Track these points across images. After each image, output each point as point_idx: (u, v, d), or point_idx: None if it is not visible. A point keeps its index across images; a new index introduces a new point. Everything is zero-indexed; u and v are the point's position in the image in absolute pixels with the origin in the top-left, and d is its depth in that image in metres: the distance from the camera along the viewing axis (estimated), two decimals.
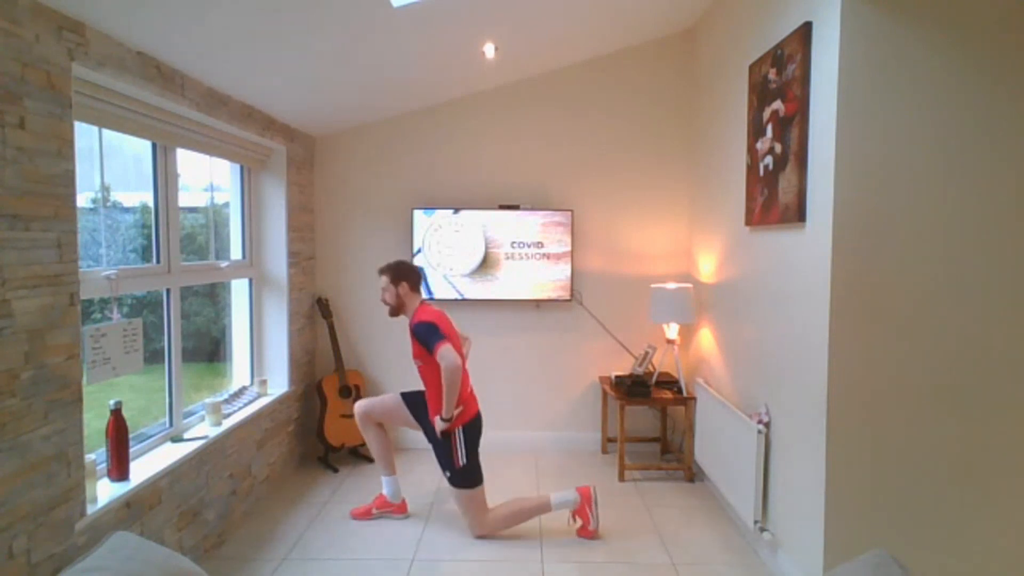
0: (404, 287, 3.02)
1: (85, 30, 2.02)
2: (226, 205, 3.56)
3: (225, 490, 2.97)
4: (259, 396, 3.51)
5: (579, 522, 3.01)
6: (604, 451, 4.18)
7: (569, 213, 4.03)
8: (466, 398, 2.98)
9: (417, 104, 4.06)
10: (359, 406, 3.16)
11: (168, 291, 2.78)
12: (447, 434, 2.93)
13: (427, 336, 2.84)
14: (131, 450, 2.39)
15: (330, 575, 2.67)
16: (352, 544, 2.93)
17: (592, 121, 4.13)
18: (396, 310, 3.06)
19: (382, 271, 3.06)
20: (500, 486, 3.58)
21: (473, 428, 3.00)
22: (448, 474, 2.97)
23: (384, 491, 3.19)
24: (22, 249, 1.78)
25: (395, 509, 3.20)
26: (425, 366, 2.96)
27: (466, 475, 2.94)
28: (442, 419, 2.87)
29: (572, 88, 4.11)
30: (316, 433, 3.91)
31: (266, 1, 2.24)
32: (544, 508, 2.99)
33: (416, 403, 3.13)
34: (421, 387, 3.08)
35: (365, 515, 3.17)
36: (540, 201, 4.14)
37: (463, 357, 2.96)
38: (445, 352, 2.76)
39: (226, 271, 3.36)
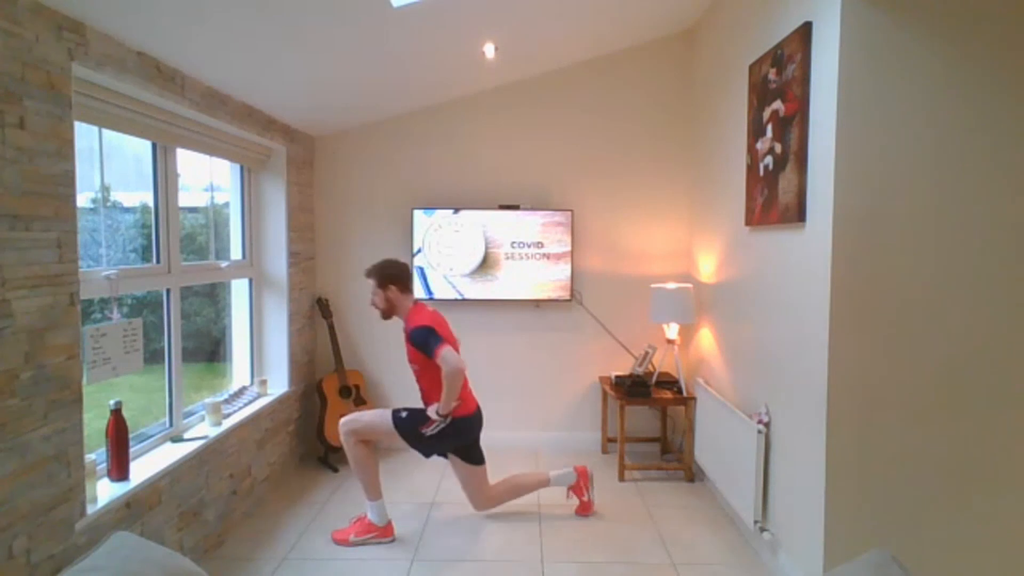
0: (393, 290, 2.94)
1: (85, 30, 2.02)
2: (226, 205, 3.56)
3: (225, 490, 2.97)
4: (259, 396, 3.51)
5: (573, 498, 3.18)
6: (604, 451, 4.18)
7: (569, 213, 4.03)
8: (464, 395, 2.95)
9: (417, 104, 4.06)
10: (347, 422, 2.94)
11: (168, 291, 2.78)
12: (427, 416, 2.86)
13: (426, 341, 2.77)
14: (131, 450, 2.39)
15: (330, 575, 2.67)
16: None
17: (592, 121, 4.13)
18: (387, 314, 2.99)
19: (369, 274, 2.97)
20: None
21: (466, 423, 2.94)
22: (404, 414, 2.91)
23: (369, 515, 2.95)
24: (22, 249, 1.78)
25: (380, 533, 2.93)
26: (422, 370, 2.90)
27: (420, 439, 2.88)
28: (438, 413, 2.81)
29: (572, 88, 4.11)
30: (316, 433, 3.91)
31: (266, 1, 2.24)
32: (543, 483, 3.18)
33: (409, 428, 2.92)
34: (410, 404, 3.01)
35: (343, 542, 2.91)
36: (540, 201, 4.14)
37: (455, 347, 2.91)
38: (446, 355, 2.72)
39: (226, 271, 3.36)
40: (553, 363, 4.23)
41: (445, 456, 3.06)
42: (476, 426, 3.04)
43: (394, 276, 2.96)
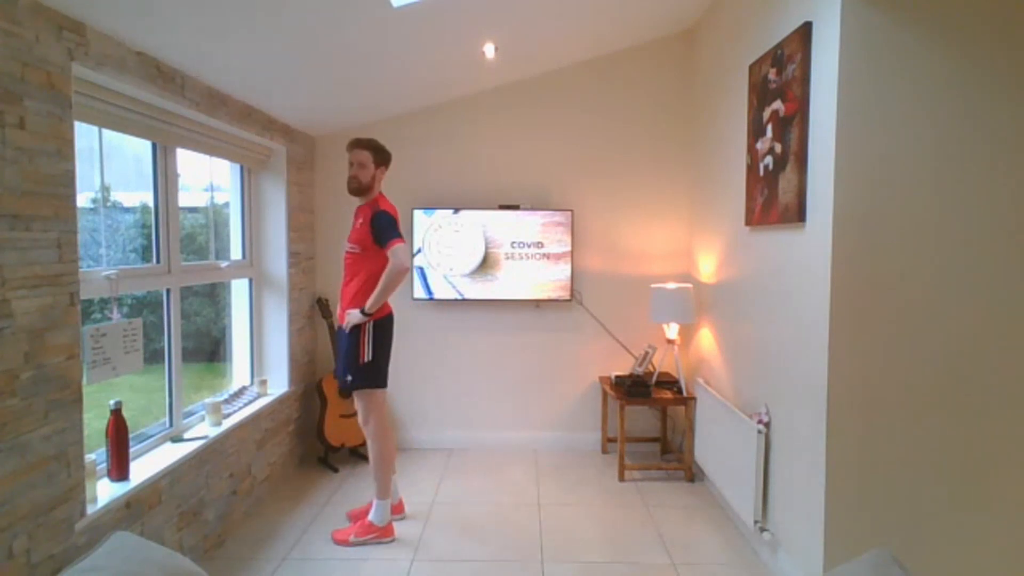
0: (383, 171, 2.89)
1: (85, 30, 2.02)
2: (226, 205, 3.56)
3: (225, 490, 2.97)
4: (259, 396, 3.51)
5: (350, 522, 3.00)
6: (604, 451, 4.18)
7: (569, 213, 4.03)
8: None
9: (417, 104, 4.06)
10: (371, 429, 2.93)
11: (168, 291, 2.78)
12: (356, 329, 2.80)
13: (387, 228, 2.70)
14: (131, 450, 2.39)
15: (330, 575, 2.67)
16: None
17: (592, 121, 4.13)
18: (360, 191, 2.86)
19: (362, 145, 2.82)
20: (500, 486, 3.59)
21: (384, 326, 2.87)
22: (349, 378, 2.83)
23: (372, 514, 2.95)
24: (22, 249, 1.78)
25: (380, 533, 2.93)
26: (363, 257, 2.80)
27: (369, 372, 2.83)
28: (362, 312, 2.73)
29: (572, 88, 4.11)
30: (316, 433, 3.91)
31: (266, 1, 2.24)
32: (384, 492, 2.92)
33: (338, 347, 2.95)
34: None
35: (343, 542, 2.91)
36: (540, 201, 4.14)
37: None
38: (399, 250, 2.66)
39: (226, 271, 3.36)
40: (553, 363, 4.23)
41: (374, 383, 2.85)
42: (392, 330, 2.93)
43: (388, 158, 2.92)
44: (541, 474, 3.79)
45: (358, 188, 2.86)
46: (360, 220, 2.86)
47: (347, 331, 2.83)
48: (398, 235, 2.72)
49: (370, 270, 2.79)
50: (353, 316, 2.77)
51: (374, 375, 2.86)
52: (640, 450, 4.22)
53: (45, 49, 1.85)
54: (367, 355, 2.81)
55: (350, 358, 2.83)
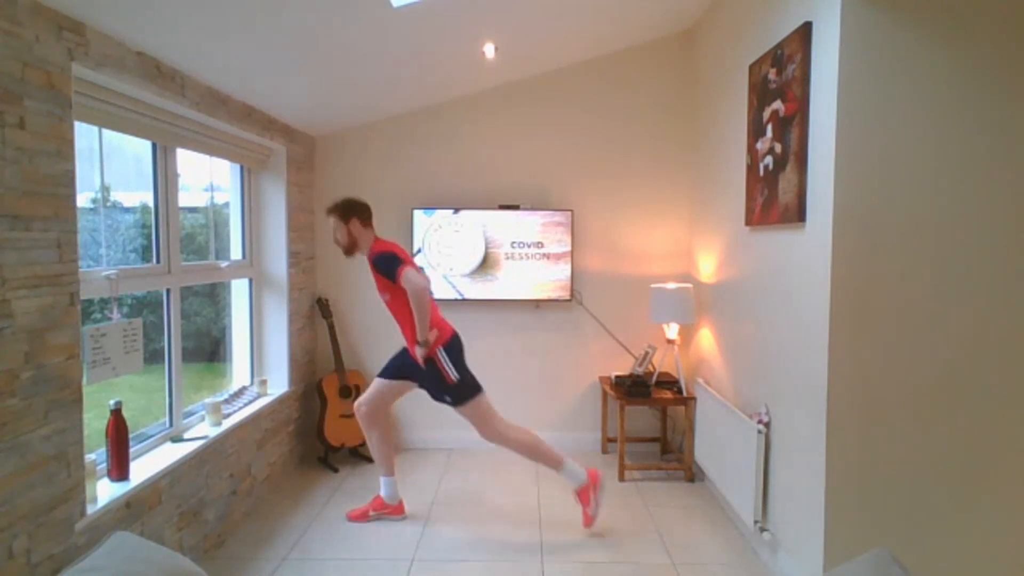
0: (355, 223, 2.95)
1: (85, 30, 2.02)
2: (226, 205, 3.56)
3: (225, 490, 2.97)
4: (259, 396, 3.51)
5: (578, 505, 3.03)
6: (604, 451, 4.18)
7: (569, 213, 4.03)
8: (438, 322, 2.95)
9: (417, 104, 4.06)
10: (360, 407, 3.13)
11: (168, 291, 2.78)
12: (430, 359, 2.90)
13: (389, 265, 2.80)
14: (131, 450, 2.39)
15: (330, 575, 2.67)
16: (352, 544, 2.93)
17: (592, 121, 4.13)
18: (350, 249, 3.00)
19: (330, 211, 2.97)
20: (500, 486, 3.59)
21: (454, 346, 2.97)
22: (448, 399, 2.96)
23: (382, 492, 3.17)
24: (22, 249, 1.78)
25: (392, 511, 3.18)
26: (393, 298, 2.92)
27: (463, 389, 2.94)
28: (420, 344, 2.84)
29: (572, 88, 4.11)
30: (316, 433, 3.91)
31: (266, 1, 2.24)
32: (556, 463, 2.99)
33: (395, 368, 3.07)
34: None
35: (362, 517, 3.15)
36: (540, 201, 4.14)
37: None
38: (409, 275, 2.74)
39: (226, 271, 3.36)
40: (553, 363, 4.23)
41: (472, 394, 2.97)
42: (462, 346, 3.03)
43: (356, 209, 2.98)
44: (541, 474, 3.79)
45: (345, 249, 3.02)
46: (372, 271, 2.96)
47: (425, 366, 2.93)
48: (400, 263, 2.80)
49: (405, 305, 2.87)
50: (420, 352, 2.88)
51: (469, 388, 2.97)
52: (640, 450, 4.22)
53: (45, 49, 1.85)
54: (453, 376, 2.93)
55: (440, 384, 2.95)
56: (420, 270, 2.97)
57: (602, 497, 3.04)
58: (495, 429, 2.99)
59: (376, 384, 3.12)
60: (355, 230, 2.97)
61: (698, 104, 3.94)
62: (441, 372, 2.92)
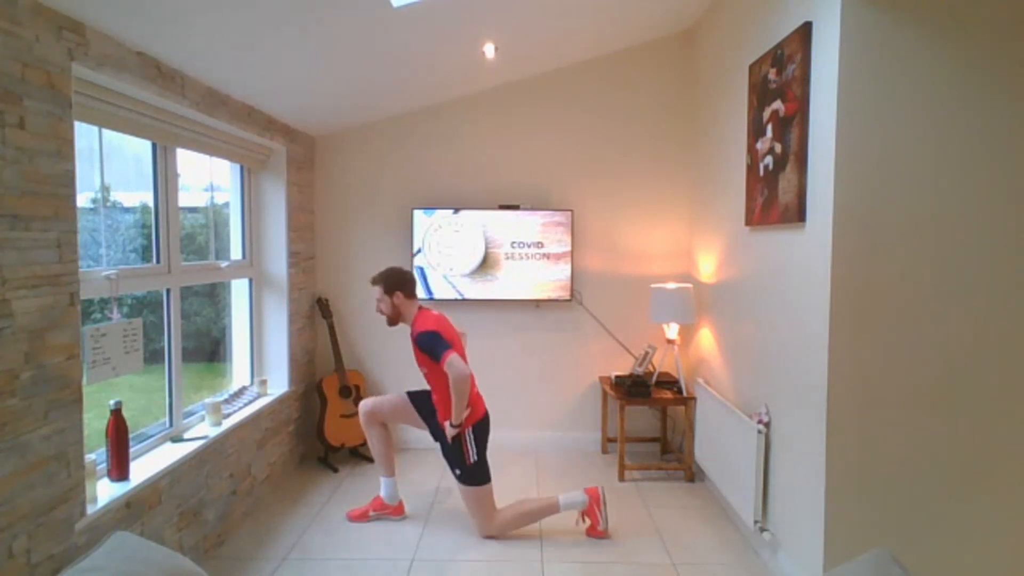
0: (399, 296, 2.97)
1: (85, 30, 2.02)
2: (226, 205, 3.56)
3: (225, 490, 2.97)
4: (259, 396, 3.51)
5: (588, 522, 3.01)
6: (604, 451, 4.18)
7: (569, 213, 4.03)
8: (473, 399, 2.97)
9: (417, 104, 4.06)
10: (364, 404, 3.15)
11: (168, 291, 2.78)
12: (457, 436, 2.94)
13: (432, 346, 2.81)
14: (131, 450, 2.39)
15: (330, 575, 2.67)
16: (352, 544, 2.93)
17: (592, 121, 4.13)
18: (393, 320, 3.03)
19: (375, 281, 3.01)
20: (500, 486, 3.58)
21: (482, 428, 3.00)
22: (458, 472, 2.97)
23: (382, 492, 3.18)
24: (22, 249, 1.78)
25: (392, 511, 3.18)
26: (431, 373, 2.95)
27: (476, 473, 2.95)
28: (452, 425, 2.87)
29: (572, 88, 4.11)
30: (316, 433, 3.91)
31: (266, 1, 2.24)
32: (552, 509, 2.99)
33: (423, 403, 3.13)
34: (425, 386, 3.09)
35: (361, 517, 3.16)
36: (540, 201, 4.14)
37: (466, 360, 2.95)
38: (453, 361, 2.74)
39: (226, 271, 3.36)
40: (553, 363, 4.23)
41: (482, 480, 2.98)
42: (489, 429, 3.07)
43: (401, 283, 2.99)
44: (541, 474, 3.79)
45: (389, 320, 3.04)
46: (413, 345, 2.96)
47: (449, 440, 2.94)
48: (446, 347, 2.79)
49: (443, 382, 2.88)
50: (450, 431, 2.90)
51: (480, 474, 2.97)
52: (640, 450, 4.22)
53: (45, 49, 1.85)
54: (471, 457, 2.95)
55: (457, 458, 2.96)
56: (462, 335, 3.08)
57: (607, 508, 3.03)
58: (492, 523, 2.98)
59: (398, 399, 3.16)
60: (399, 303, 2.98)
61: (698, 104, 3.94)
62: (463, 450, 2.94)
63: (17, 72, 1.75)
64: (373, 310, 4.09)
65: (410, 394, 3.18)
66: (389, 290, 2.97)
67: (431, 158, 4.16)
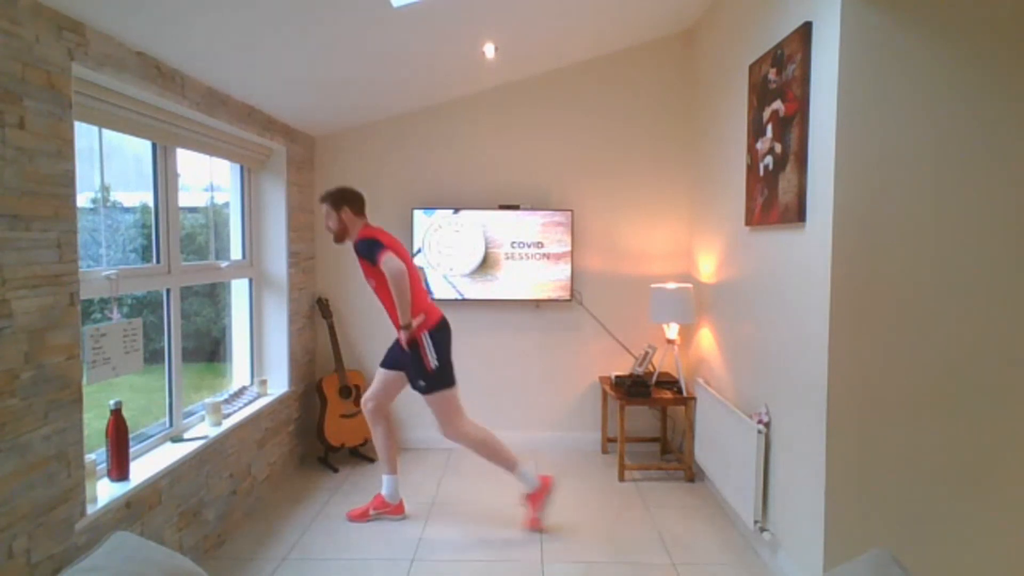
0: (347, 212, 3.00)
1: (85, 30, 2.02)
2: (226, 205, 3.56)
3: (225, 490, 2.97)
4: (259, 396, 3.51)
5: (528, 511, 3.06)
6: (604, 451, 4.18)
7: (569, 213, 4.03)
8: (427, 307, 2.99)
9: (417, 104, 4.06)
10: (366, 400, 3.15)
11: (168, 291, 2.78)
12: (413, 342, 2.93)
13: (369, 250, 2.85)
14: (131, 450, 2.39)
15: (330, 575, 2.67)
16: (352, 544, 2.93)
17: (592, 121, 4.13)
18: (340, 236, 3.04)
19: (323, 199, 3.03)
20: (500, 486, 3.59)
21: (440, 332, 3.00)
22: (422, 383, 2.97)
23: (383, 491, 3.18)
24: (22, 249, 1.78)
25: (393, 510, 3.18)
26: (379, 284, 2.96)
27: (438, 377, 2.96)
28: (403, 328, 2.87)
29: (572, 88, 4.11)
30: (316, 433, 3.91)
31: (266, 1, 2.24)
32: (511, 465, 3.05)
33: (392, 359, 3.12)
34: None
35: (362, 517, 3.16)
36: (540, 201, 4.14)
37: (411, 267, 2.96)
38: (387, 259, 2.79)
39: (226, 271, 3.36)
40: (553, 363, 4.23)
41: (445, 385, 2.99)
42: (449, 333, 3.06)
43: (348, 198, 3.03)
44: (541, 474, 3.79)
45: (336, 235, 3.07)
46: (357, 258, 2.99)
47: (408, 348, 2.95)
48: (381, 248, 2.84)
49: (390, 291, 2.90)
50: (403, 336, 2.91)
51: (443, 377, 2.98)
52: (640, 450, 4.22)
53: (45, 49, 1.85)
54: (432, 362, 2.94)
55: (418, 368, 2.97)
56: (411, 259, 3.03)
57: (550, 502, 3.10)
58: (457, 427, 3.01)
59: (378, 375, 3.17)
60: (346, 218, 3.01)
61: (698, 104, 3.94)
62: (422, 357, 2.93)
63: (17, 72, 1.75)
64: (373, 310, 4.10)
65: (382, 363, 3.17)
66: (336, 205, 3.00)
67: (431, 158, 4.16)
